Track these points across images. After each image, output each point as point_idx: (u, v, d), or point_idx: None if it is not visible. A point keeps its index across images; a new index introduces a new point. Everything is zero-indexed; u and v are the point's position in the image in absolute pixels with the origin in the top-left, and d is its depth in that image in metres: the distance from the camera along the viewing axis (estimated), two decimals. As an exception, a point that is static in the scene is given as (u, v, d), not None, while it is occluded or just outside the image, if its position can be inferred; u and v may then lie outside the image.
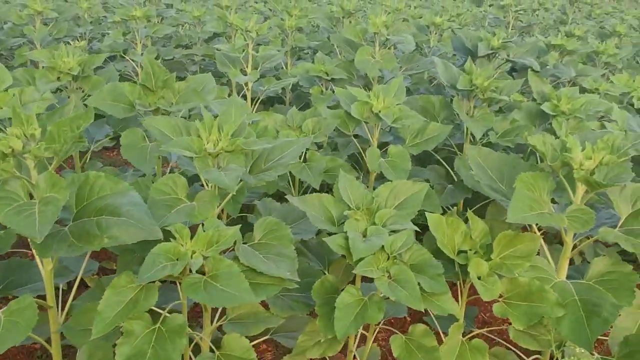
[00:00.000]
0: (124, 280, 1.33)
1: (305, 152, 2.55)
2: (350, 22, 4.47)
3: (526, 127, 2.68)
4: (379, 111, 2.47)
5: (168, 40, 5.37)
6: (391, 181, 1.81)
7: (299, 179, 2.69)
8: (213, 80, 2.62)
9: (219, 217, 2.92)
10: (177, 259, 1.32)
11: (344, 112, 2.61)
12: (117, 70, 4.47)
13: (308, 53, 4.92)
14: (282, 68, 4.46)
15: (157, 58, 4.43)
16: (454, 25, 4.82)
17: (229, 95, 3.41)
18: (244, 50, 3.46)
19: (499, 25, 7.74)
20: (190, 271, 1.36)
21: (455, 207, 1.93)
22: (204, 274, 1.38)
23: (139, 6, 4.44)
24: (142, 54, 4.26)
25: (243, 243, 1.55)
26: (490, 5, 10.12)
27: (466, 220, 2.12)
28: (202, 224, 1.42)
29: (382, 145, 3.08)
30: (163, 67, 2.37)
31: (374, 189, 2.60)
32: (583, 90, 3.85)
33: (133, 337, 1.30)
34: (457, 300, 1.82)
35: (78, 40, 4.58)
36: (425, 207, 2.47)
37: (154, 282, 1.34)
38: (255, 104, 3.61)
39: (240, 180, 1.60)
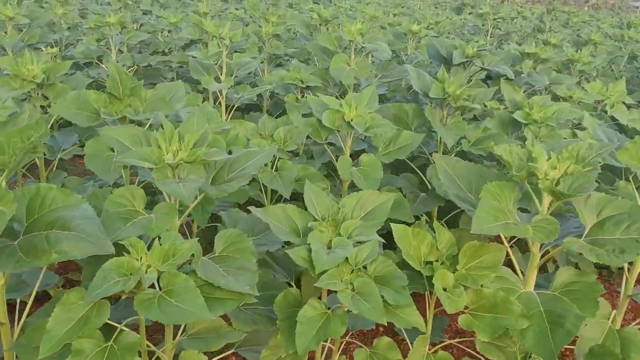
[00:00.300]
0: (74, 296, 1.28)
1: (277, 161, 2.52)
2: (327, 29, 4.47)
3: (498, 135, 2.69)
4: (351, 120, 2.45)
5: (146, 46, 5.32)
6: (361, 190, 1.79)
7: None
8: (183, 88, 2.58)
9: (190, 226, 2.89)
10: (131, 274, 1.28)
11: (316, 121, 2.59)
12: (91, 77, 4.43)
13: (288, 60, 4.90)
14: (260, 75, 4.43)
15: (132, 65, 4.38)
16: (432, 33, 4.84)
17: (203, 102, 3.37)
18: (219, 58, 3.43)
19: (478, 33, 7.82)
20: (152, 286, 1.32)
21: (422, 218, 1.91)
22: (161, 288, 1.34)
23: (114, 13, 4.38)
24: (117, 60, 4.21)
25: (204, 256, 1.51)
26: (469, 14, 10.23)
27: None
28: (159, 237, 1.38)
29: (358, 153, 3.07)
30: (130, 74, 2.33)
31: (346, 197, 2.60)
32: (557, 98, 3.90)
33: (82, 356, 1.25)
34: (426, 310, 1.80)
35: (52, 47, 4.50)
36: (397, 216, 2.47)
37: (107, 297, 1.30)
38: (230, 112, 3.58)
39: (202, 192, 1.57)
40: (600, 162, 1.65)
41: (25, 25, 4.51)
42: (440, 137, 2.72)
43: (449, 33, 7.68)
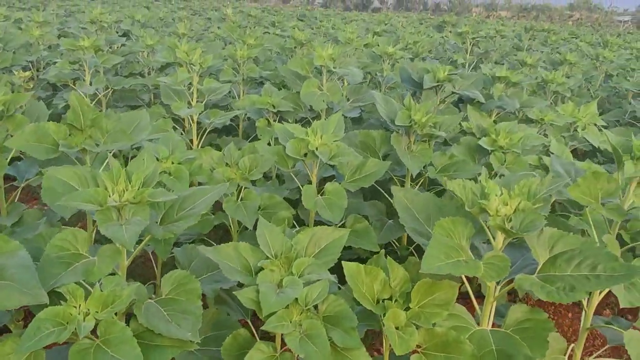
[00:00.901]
0: (9, 346, 1.25)
1: (242, 190, 2.51)
2: (302, 52, 4.49)
3: (465, 162, 2.70)
4: (315, 148, 2.44)
5: (123, 67, 5.31)
6: (315, 227, 1.78)
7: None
8: (147, 116, 2.56)
9: (149, 258, 2.85)
10: (67, 323, 1.25)
11: (282, 149, 2.58)
12: (64, 100, 4.39)
13: (271, 83, 4.91)
14: (237, 97, 4.44)
15: (106, 88, 4.36)
16: (407, 54, 4.88)
17: (182, 127, 3.36)
18: (190, 83, 3.42)
19: (458, 52, 7.91)
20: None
21: (382, 251, 1.89)
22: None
23: (89, 35, 4.36)
24: (90, 83, 4.18)
25: (151, 298, 1.48)
26: (450, 32, 10.36)
27: (403, 260, 2.10)
28: (100, 283, 1.36)
29: (327, 179, 3.07)
30: (91, 105, 2.31)
31: (315, 226, 2.59)
32: (529, 121, 3.94)
33: (14, 409, 1.22)
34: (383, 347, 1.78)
35: (24, 70, 4.47)
36: (363, 244, 2.46)
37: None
38: (202, 135, 3.56)
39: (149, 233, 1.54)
40: (550, 199, 1.65)
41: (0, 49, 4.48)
42: (407, 165, 2.73)
43: (429, 52, 7.76)
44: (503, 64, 7.94)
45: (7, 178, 2.75)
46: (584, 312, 1.89)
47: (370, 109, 4.24)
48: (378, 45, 4.67)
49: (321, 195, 2.48)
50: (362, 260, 1.92)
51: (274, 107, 3.45)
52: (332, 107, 3.67)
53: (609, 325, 1.98)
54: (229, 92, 4.55)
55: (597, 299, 1.85)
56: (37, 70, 5.36)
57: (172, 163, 2.46)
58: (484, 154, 2.83)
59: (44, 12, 11.85)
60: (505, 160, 2.76)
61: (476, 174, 2.67)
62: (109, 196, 1.45)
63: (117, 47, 5.41)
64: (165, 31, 7.37)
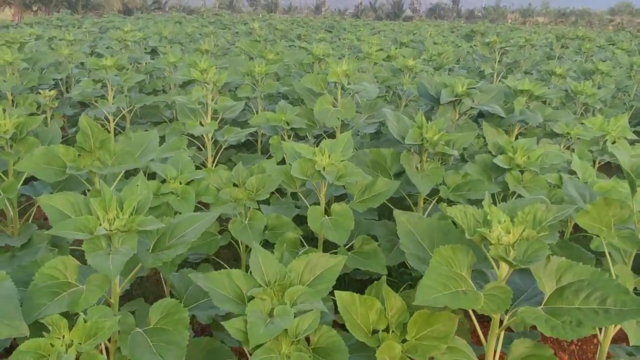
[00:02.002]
0: (-8, 378, 1.25)
1: (248, 210, 2.49)
2: (320, 67, 4.48)
3: (479, 182, 2.61)
4: (322, 168, 2.41)
5: (148, 84, 5.42)
6: (310, 253, 1.73)
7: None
8: (157, 137, 2.59)
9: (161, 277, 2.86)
10: (48, 356, 1.25)
11: (289, 168, 2.55)
12: (94, 118, 4.51)
13: (289, 99, 4.91)
14: (257, 111, 4.45)
15: (128, 106, 4.45)
16: (429, 67, 4.80)
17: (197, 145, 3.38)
18: (205, 101, 3.45)
19: (485, 62, 7.75)
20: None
21: (383, 277, 1.83)
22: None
23: (116, 53, 4.47)
24: (112, 103, 4.28)
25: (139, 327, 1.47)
26: (479, 41, 10.18)
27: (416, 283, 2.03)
28: (84, 313, 1.35)
29: (340, 198, 3.02)
30: (101, 127, 2.34)
31: (323, 249, 2.55)
32: (554, 135, 3.80)
33: None
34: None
35: (51, 89, 4.62)
36: (370, 267, 2.40)
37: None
38: (217, 154, 3.58)
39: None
40: (557, 226, 1.56)
41: (29, 69, 4.65)
42: (419, 184, 2.66)
43: (457, 62, 7.64)
44: (532, 74, 7.74)
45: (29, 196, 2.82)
46: (598, 348, 1.78)
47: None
48: (401, 57, 4.61)
49: (328, 215, 2.44)
50: (374, 281, 1.86)
51: (287, 124, 3.44)
52: (348, 124, 3.63)
53: (631, 357, 1.86)
54: (248, 107, 4.58)
55: (612, 331, 1.74)
56: (67, 89, 5.54)
57: (180, 183, 2.46)
58: (500, 172, 2.73)
59: (78, 29, 12.29)
60: (522, 179, 2.65)
61: (490, 193, 2.58)
62: (100, 224, 1.45)
63: (145, 64, 5.53)
64: (192, 47, 7.50)
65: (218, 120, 3.45)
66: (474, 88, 3.53)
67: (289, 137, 3.57)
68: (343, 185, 2.82)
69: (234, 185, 2.59)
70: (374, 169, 2.73)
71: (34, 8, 28.41)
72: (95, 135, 2.31)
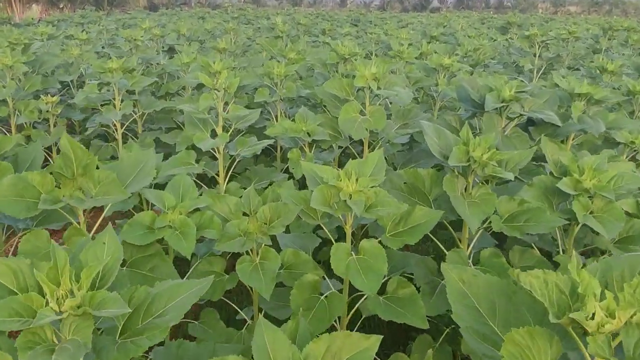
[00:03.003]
0: None
1: (260, 246, 2.09)
2: (346, 67, 4.03)
3: (538, 211, 2.14)
4: (349, 197, 1.98)
5: (161, 86, 5.07)
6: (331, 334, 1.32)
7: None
8: (154, 157, 2.21)
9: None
10: None
11: (310, 195, 2.14)
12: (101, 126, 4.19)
13: (311, 102, 4.48)
14: (279, 116, 4.05)
15: (137, 112, 4.10)
16: (466, 65, 4.31)
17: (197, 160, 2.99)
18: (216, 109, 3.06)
19: (524, 57, 7.17)
20: None
21: (429, 352, 1.41)
22: None
23: (127, 54, 4.11)
24: (120, 108, 3.93)
25: None
26: (515, 34, 9.53)
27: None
28: None
29: (367, 231, 2.60)
30: (85, 149, 1.96)
31: (349, 296, 2.14)
32: (614, 143, 3.29)
33: None
34: None
35: (55, 95, 4.30)
36: (407, 319, 1.97)
37: None
38: (230, 168, 3.19)
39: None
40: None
41: (33, 72, 4.34)
42: (465, 214, 2.20)
43: (492, 59, 7.07)
44: (578, 69, 7.12)
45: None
46: None
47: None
48: (434, 53, 4.13)
49: (356, 254, 2.02)
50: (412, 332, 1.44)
51: (308, 135, 3.02)
52: (377, 133, 3.19)
53: None
54: (267, 111, 4.18)
55: None
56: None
57: (180, 214, 2.07)
58: (563, 197, 2.25)
59: (100, 26, 12.10)
60: (592, 207, 2.17)
61: (554, 227, 2.11)
62: (45, 305, 1.06)
63: (154, 65, 5.18)
64: (211, 45, 7.13)
65: (231, 131, 3.06)
66: (524, 92, 3.04)
67: (310, 148, 3.16)
68: (373, 212, 2.42)
69: (244, 214, 2.19)
70: (409, 194, 2.29)
71: (60, 5, 28.62)
72: (78, 159, 1.94)
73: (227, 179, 3.03)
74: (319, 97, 4.04)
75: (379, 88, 3.00)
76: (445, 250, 2.28)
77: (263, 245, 2.06)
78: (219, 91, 2.90)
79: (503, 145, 2.87)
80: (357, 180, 2.05)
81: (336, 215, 1.99)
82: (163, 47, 6.99)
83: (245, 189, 3.44)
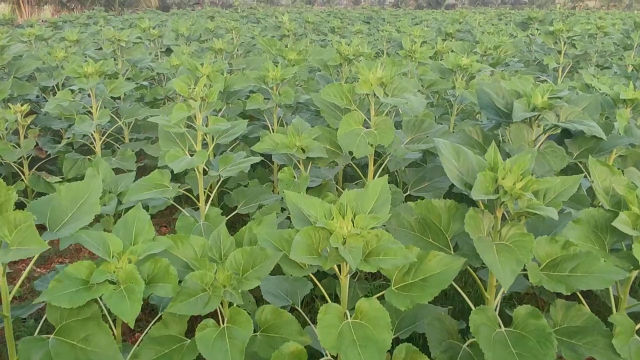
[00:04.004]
0: None
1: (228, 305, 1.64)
2: (350, 70, 3.56)
3: (589, 257, 1.65)
4: (342, 243, 1.53)
5: (150, 90, 4.65)
6: None
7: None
8: (100, 187, 1.77)
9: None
10: None
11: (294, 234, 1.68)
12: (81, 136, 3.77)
13: (312, 109, 4.01)
14: (269, 128, 3.60)
15: (114, 122, 3.68)
16: (487, 67, 3.80)
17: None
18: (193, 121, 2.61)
19: (548, 54, 6.62)
20: None
21: None
22: None
23: (96, 60, 3.69)
24: (97, 118, 3.51)
25: None
26: (537, 29, 8.93)
27: None
28: None
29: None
30: (3, 183, 1.53)
31: None
32: (668, 157, 2.78)
33: None
34: None
35: (30, 102, 3.90)
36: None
37: None
38: (219, 185, 2.74)
39: None
40: None
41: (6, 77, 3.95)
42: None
43: (513, 56, 6.54)
44: (608, 68, 6.54)
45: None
46: None
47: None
48: (450, 52, 3.64)
49: (351, 316, 1.56)
50: None
51: (303, 151, 2.56)
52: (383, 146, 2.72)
53: None
54: (263, 120, 3.73)
55: None
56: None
57: (130, 261, 1.63)
58: (618, 238, 1.76)
59: (99, 26, 11.78)
60: (658, 252, 1.68)
61: (611, 282, 1.62)
62: None
63: (130, 68, 4.76)
64: (207, 45, 6.70)
65: (212, 147, 2.61)
66: (559, 98, 2.54)
67: (306, 165, 2.70)
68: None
69: (211, 260, 1.74)
70: (422, 232, 1.82)
71: (71, 6, 28.52)
72: (-4, 193, 1.51)
73: (207, 205, 2.59)
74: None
75: (386, 95, 2.53)
76: (469, 302, 1.81)
77: (234, 304, 1.61)
78: (195, 100, 2.45)
79: (536, 165, 2.38)
80: (354, 218, 1.60)
81: (325, 268, 1.53)
82: (161, 48, 6.59)
83: (236, 207, 3.01)
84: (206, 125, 2.52)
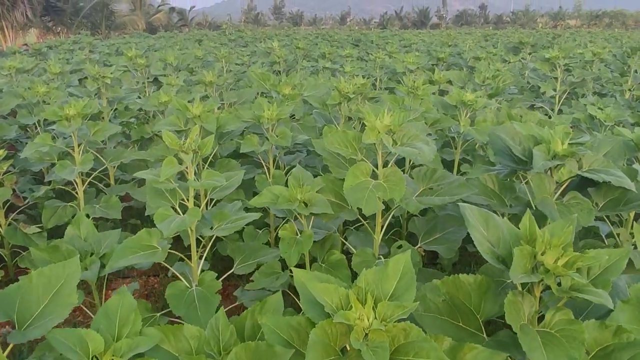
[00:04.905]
0: None
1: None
2: (349, 108, 3.36)
3: (646, 346, 1.43)
4: (363, 337, 1.30)
5: (136, 127, 4.41)
6: None
7: None
8: (79, 272, 1.53)
9: None
10: None
11: (308, 326, 1.45)
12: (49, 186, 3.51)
13: (309, 150, 3.79)
14: (265, 170, 3.38)
15: (94, 166, 3.42)
16: (492, 102, 3.63)
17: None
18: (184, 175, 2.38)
19: (542, 80, 6.52)
20: None
21: None
22: None
23: (80, 99, 3.45)
24: (79, 162, 3.26)
25: None
26: (529, 54, 8.89)
27: None
28: None
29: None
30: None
31: None
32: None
33: None
34: None
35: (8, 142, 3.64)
36: None
37: None
38: (207, 248, 2.50)
39: None
40: None
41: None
42: None
43: (509, 88, 6.42)
44: (605, 95, 6.45)
45: None
46: None
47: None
48: (456, 90, 3.47)
49: None
50: None
51: (305, 205, 2.33)
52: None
53: None
54: (258, 160, 3.51)
55: None
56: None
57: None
58: (673, 317, 1.55)
59: (91, 52, 11.55)
60: None
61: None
62: None
63: (136, 102, 4.53)
64: (197, 77, 6.49)
65: (204, 203, 2.38)
66: (581, 144, 2.36)
67: (309, 220, 2.47)
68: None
69: (209, 355, 1.49)
70: (450, 316, 1.59)
71: (57, 30, 28.28)
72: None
73: (199, 269, 2.34)
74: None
75: (395, 143, 2.32)
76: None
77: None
78: (187, 153, 2.22)
79: (560, 219, 2.18)
80: (375, 306, 1.37)
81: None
82: (148, 78, 6.36)
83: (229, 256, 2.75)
84: (199, 181, 2.28)
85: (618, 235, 2.53)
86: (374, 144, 2.32)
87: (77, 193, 3.41)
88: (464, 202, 2.39)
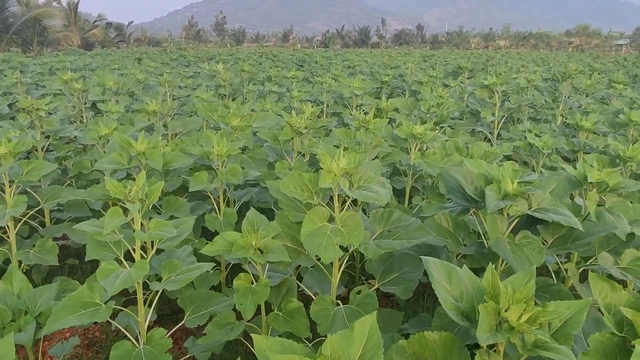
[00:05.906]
0: None
1: None
2: (302, 143, 3.32)
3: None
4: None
5: (75, 163, 4.15)
6: None
7: None
8: (13, 353, 1.37)
9: None
10: None
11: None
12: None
13: (261, 186, 3.70)
14: (215, 210, 3.25)
15: (32, 206, 3.18)
16: (441, 136, 3.70)
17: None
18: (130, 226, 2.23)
19: (483, 106, 6.77)
20: None
21: None
22: None
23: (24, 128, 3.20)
24: (10, 205, 3.01)
25: None
26: (468, 78, 9.25)
27: None
28: None
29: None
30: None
31: None
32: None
33: None
34: None
35: None
36: None
37: None
38: (152, 302, 2.35)
39: None
40: None
41: None
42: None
43: (452, 115, 6.62)
44: (545, 121, 6.77)
45: None
46: None
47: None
48: (405, 123, 3.51)
49: None
50: None
51: (261, 251, 2.25)
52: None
53: None
54: (209, 195, 3.38)
55: None
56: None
57: None
58: (630, 366, 1.59)
59: (21, 72, 10.98)
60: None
61: None
62: None
63: (60, 141, 4.27)
64: (144, 100, 6.27)
65: (151, 255, 2.23)
66: (529, 183, 2.42)
67: (264, 273, 2.37)
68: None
69: None
70: (417, 377, 1.55)
71: (-17, 47, 26.64)
72: None
73: (146, 323, 2.19)
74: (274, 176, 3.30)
75: (351, 185, 2.29)
76: None
77: None
78: (133, 203, 2.09)
79: (515, 261, 2.22)
80: (341, 379, 1.31)
81: None
82: (85, 104, 6.06)
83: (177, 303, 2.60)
84: (146, 232, 2.14)
85: (566, 270, 2.61)
86: (331, 187, 2.28)
87: (8, 237, 3.15)
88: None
